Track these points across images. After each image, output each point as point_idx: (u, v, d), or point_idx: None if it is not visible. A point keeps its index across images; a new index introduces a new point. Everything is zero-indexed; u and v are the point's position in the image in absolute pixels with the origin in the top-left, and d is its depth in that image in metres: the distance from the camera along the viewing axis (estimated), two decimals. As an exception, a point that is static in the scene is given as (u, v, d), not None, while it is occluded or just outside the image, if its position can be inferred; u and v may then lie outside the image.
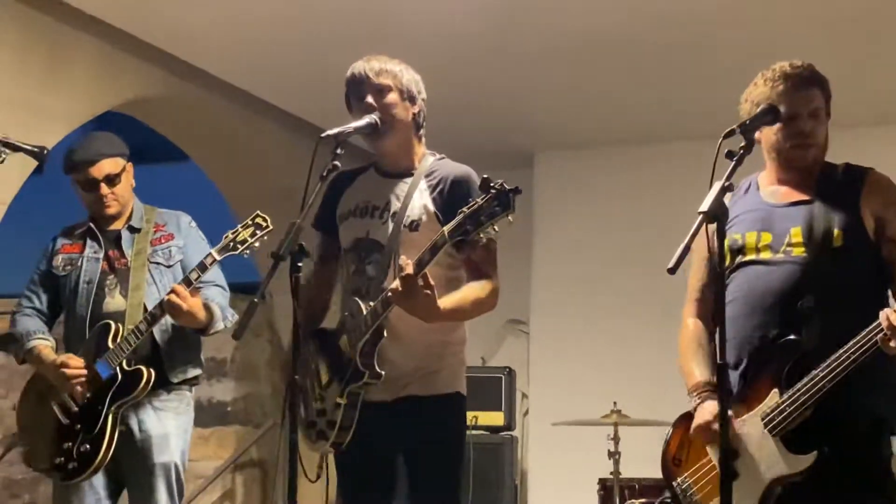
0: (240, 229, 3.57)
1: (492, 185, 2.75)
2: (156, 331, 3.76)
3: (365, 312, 3.04)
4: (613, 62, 5.79)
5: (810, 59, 3.01)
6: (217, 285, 3.90)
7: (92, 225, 3.99)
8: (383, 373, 3.04)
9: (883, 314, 2.62)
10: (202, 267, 3.64)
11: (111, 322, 3.77)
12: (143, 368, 3.70)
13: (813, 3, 5.04)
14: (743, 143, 2.66)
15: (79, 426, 3.74)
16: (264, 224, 3.54)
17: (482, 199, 2.76)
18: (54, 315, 3.99)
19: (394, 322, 3.05)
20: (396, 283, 2.86)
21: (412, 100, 3.21)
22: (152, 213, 4.01)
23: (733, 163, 2.61)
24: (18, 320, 3.96)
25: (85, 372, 3.73)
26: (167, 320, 3.76)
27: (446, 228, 2.83)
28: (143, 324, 3.69)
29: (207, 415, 7.38)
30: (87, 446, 3.69)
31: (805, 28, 5.22)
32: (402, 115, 3.19)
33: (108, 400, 3.70)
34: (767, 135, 2.94)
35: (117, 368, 3.70)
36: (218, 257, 3.61)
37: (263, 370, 7.43)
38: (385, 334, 3.05)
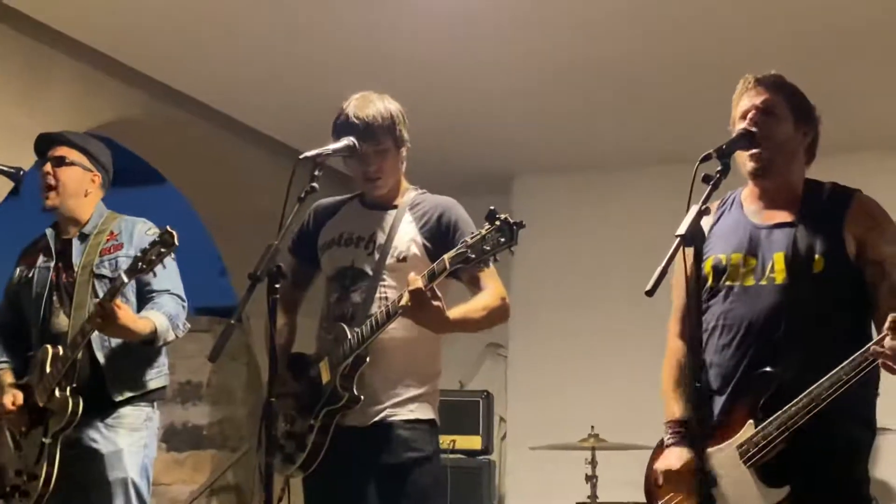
0: (149, 248, 3.43)
1: (497, 216, 2.79)
2: (96, 349, 3.65)
3: (350, 336, 3.05)
4: (589, 91, 5.83)
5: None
6: (172, 293, 3.76)
7: (48, 232, 3.90)
8: (362, 397, 3.05)
9: (877, 347, 2.58)
10: (113, 290, 3.48)
11: (49, 347, 3.66)
12: (70, 397, 3.57)
13: (781, 36, 5.11)
14: (719, 168, 2.67)
15: (24, 455, 3.67)
16: (171, 241, 3.41)
17: (486, 230, 2.80)
18: (20, 331, 3.87)
19: (376, 350, 3.07)
20: (406, 298, 2.89)
21: (402, 144, 3.26)
22: (112, 220, 3.86)
23: (710, 187, 2.62)
24: None
25: (13, 409, 3.66)
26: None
27: (447, 256, 2.88)
28: (69, 349, 3.58)
29: (183, 438, 7.35)
30: (27, 477, 3.61)
31: (773, 59, 5.26)
32: (395, 165, 3.26)
33: (45, 430, 3.61)
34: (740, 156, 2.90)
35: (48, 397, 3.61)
36: (126, 280, 3.47)
37: (240, 393, 7.40)
38: (368, 360, 3.06)
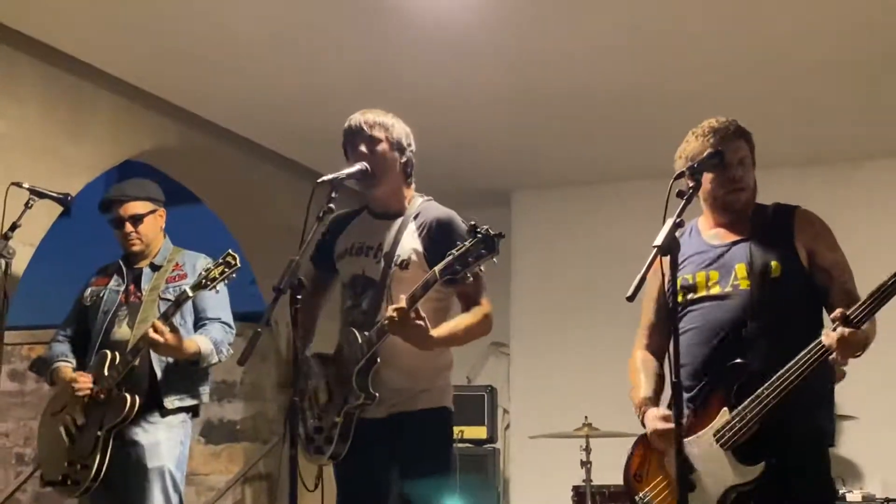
0: (212, 267, 3.53)
1: (478, 230, 2.79)
2: (155, 361, 3.73)
3: (361, 341, 3.05)
4: (585, 111, 5.85)
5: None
6: (222, 322, 3.87)
7: (121, 262, 4.00)
8: (377, 395, 3.04)
9: (825, 338, 2.63)
10: (177, 303, 3.60)
11: (108, 351, 3.74)
12: (127, 395, 3.66)
13: (747, 63, 5.14)
14: (691, 184, 2.69)
15: (77, 447, 3.72)
16: (233, 262, 3.50)
17: (469, 243, 2.80)
18: (84, 342, 3.94)
19: (388, 349, 3.06)
20: (392, 314, 2.89)
21: (401, 150, 3.22)
22: (177, 253, 3.98)
23: (683, 201, 2.64)
24: (51, 346, 3.99)
25: (90, 385, 3.71)
26: None
27: (437, 268, 2.87)
28: (129, 354, 3.67)
29: (219, 432, 7.36)
30: (81, 465, 3.67)
31: (739, 86, 5.32)
32: (391, 164, 3.20)
33: (99, 424, 3.68)
34: (703, 183, 2.92)
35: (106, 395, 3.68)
36: (191, 294, 3.57)
37: (270, 391, 7.40)
38: (378, 360, 3.05)
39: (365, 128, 3.18)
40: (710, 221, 3.05)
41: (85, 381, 3.74)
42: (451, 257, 2.83)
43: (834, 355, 2.63)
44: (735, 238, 2.97)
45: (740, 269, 2.90)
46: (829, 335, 2.61)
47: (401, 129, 3.24)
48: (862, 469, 5.84)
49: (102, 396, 3.71)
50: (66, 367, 3.89)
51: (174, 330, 3.62)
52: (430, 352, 3.11)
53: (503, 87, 5.51)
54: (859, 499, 4.79)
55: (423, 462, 3.10)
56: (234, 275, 3.52)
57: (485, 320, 3.16)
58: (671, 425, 2.74)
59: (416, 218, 3.21)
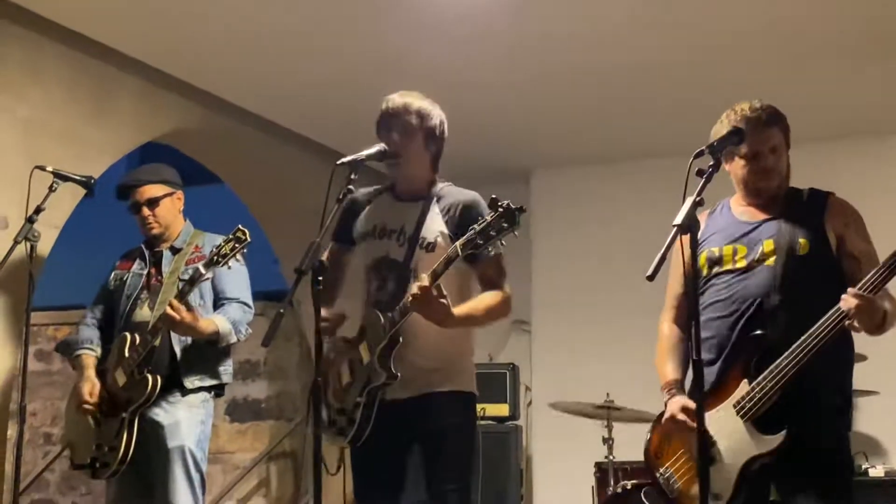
0: (222, 244, 3.54)
1: (500, 203, 2.79)
2: (175, 341, 3.76)
3: (383, 321, 3.05)
4: (604, 89, 5.81)
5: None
6: (241, 302, 3.89)
7: (143, 246, 4.03)
8: (399, 374, 3.05)
9: (843, 302, 2.66)
10: (191, 281, 3.62)
11: (128, 334, 3.78)
12: (149, 376, 3.68)
13: (770, 39, 5.08)
14: (711, 162, 2.68)
15: (103, 429, 3.76)
16: (243, 237, 3.51)
17: (490, 217, 2.80)
18: (110, 325, 3.99)
19: (410, 331, 3.06)
20: (415, 290, 2.90)
21: (433, 138, 3.23)
22: (197, 236, 4.00)
23: (703, 180, 2.63)
24: (79, 329, 4.02)
25: (91, 407, 3.76)
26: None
27: (458, 244, 2.88)
28: (148, 335, 3.69)
29: (244, 411, 7.42)
30: (108, 448, 3.72)
31: (763, 62, 5.27)
32: (421, 151, 3.21)
33: (123, 406, 3.72)
34: (735, 169, 2.97)
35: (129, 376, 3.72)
36: (204, 272, 3.58)
37: (293, 370, 7.44)
38: (401, 340, 3.05)
39: (402, 112, 3.17)
40: (742, 201, 3.06)
41: (89, 402, 3.78)
42: (471, 232, 2.84)
43: (853, 322, 2.64)
44: (765, 217, 2.98)
45: (767, 245, 2.91)
46: (847, 299, 2.63)
47: (437, 117, 3.23)
48: (885, 445, 5.82)
49: (103, 410, 3.76)
50: (89, 356, 3.92)
51: (190, 309, 3.63)
52: (451, 336, 3.11)
53: (523, 65, 5.49)
54: (882, 474, 4.77)
55: (445, 442, 3.10)
56: (245, 250, 3.52)
57: (504, 303, 3.15)
58: (687, 419, 2.77)
59: (439, 201, 3.22)
